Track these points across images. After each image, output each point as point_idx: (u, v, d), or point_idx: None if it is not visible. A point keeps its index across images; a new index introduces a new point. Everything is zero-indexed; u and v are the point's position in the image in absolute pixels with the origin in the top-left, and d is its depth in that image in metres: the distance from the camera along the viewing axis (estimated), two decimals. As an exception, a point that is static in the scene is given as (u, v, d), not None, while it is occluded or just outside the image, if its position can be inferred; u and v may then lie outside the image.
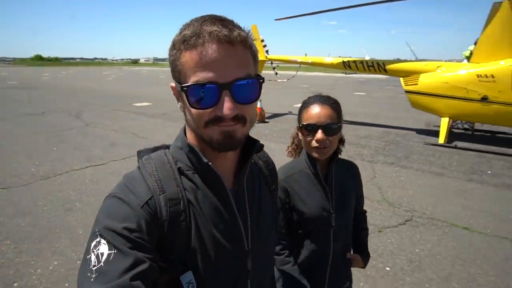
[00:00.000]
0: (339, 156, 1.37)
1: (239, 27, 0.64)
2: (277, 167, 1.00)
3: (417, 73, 7.42)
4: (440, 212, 3.82)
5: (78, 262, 2.75)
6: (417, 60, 8.09)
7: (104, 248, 0.56)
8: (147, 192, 0.64)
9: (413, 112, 7.86)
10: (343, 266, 1.37)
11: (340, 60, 8.78)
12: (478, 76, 6.50)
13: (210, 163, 0.67)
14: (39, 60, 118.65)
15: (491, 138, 7.56)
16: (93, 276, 0.54)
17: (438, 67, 7.34)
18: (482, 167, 5.53)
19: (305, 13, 9.30)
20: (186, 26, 0.63)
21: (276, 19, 9.89)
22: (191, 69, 0.61)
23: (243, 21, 0.68)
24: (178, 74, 0.64)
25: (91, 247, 0.57)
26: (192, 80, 0.61)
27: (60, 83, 23.14)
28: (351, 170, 1.41)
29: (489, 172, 5.29)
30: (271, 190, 0.90)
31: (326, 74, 43.27)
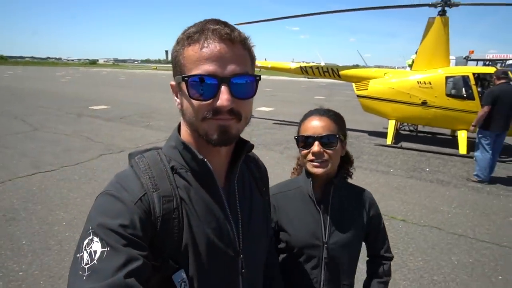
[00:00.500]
0: (349, 180, 1.26)
1: (239, 30, 0.68)
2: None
3: (367, 79, 7.98)
4: (382, 207, 4.10)
5: (21, 273, 2.64)
6: (367, 67, 8.70)
7: (97, 246, 0.56)
8: (141, 189, 0.65)
9: (368, 116, 8.43)
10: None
11: (298, 65, 9.16)
12: (418, 82, 7.16)
13: (205, 159, 0.69)
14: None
15: (432, 139, 8.34)
16: (86, 274, 0.53)
17: (385, 73, 7.96)
18: (421, 165, 6.11)
19: (266, 18, 9.58)
20: (190, 26, 0.68)
21: (236, 24, 10.03)
22: (192, 63, 0.64)
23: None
24: (179, 68, 0.66)
25: (83, 245, 0.57)
26: (193, 72, 0.64)
27: (4, 84, 21.26)
28: (360, 199, 1.21)
29: (427, 169, 5.86)
30: (262, 193, 0.90)
31: (289, 78, 44.40)
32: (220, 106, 0.64)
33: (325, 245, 1.11)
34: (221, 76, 0.63)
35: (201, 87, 0.63)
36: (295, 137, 1.16)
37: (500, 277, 2.81)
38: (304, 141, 1.11)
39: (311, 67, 9.07)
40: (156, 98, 15.59)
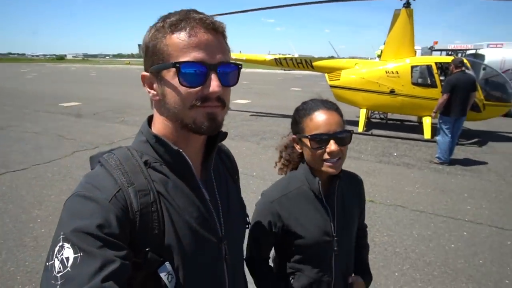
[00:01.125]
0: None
1: (219, 21, 0.68)
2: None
3: (339, 69, 8.25)
4: (353, 190, 4.44)
5: (-4, 270, 2.62)
6: (337, 57, 8.99)
7: (68, 252, 0.53)
8: (114, 185, 0.62)
9: (341, 105, 8.63)
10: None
11: (272, 57, 9.29)
12: (386, 72, 7.52)
13: (181, 150, 0.68)
14: None
15: (400, 126, 8.80)
16: (59, 283, 0.51)
17: (356, 64, 8.26)
18: (390, 150, 6.48)
19: (237, 10, 9.57)
20: (169, 15, 0.66)
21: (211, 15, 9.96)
22: (179, 50, 0.63)
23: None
24: (161, 56, 0.65)
25: (54, 253, 0.54)
26: (181, 59, 0.62)
27: (-36, 82, 19.88)
28: (355, 185, 1.25)
29: (395, 154, 6.22)
30: (234, 180, 0.92)
31: (265, 70, 44.50)
32: (212, 92, 0.64)
33: (335, 239, 1.11)
34: (210, 63, 0.64)
35: (191, 74, 0.63)
36: (308, 136, 1.03)
37: (453, 245, 3.13)
38: (318, 141, 1.02)
39: (285, 58, 9.23)
40: (130, 93, 15.20)
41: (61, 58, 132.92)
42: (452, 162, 5.63)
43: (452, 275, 2.71)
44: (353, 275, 1.24)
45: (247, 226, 0.92)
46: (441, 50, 11.75)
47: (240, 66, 0.71)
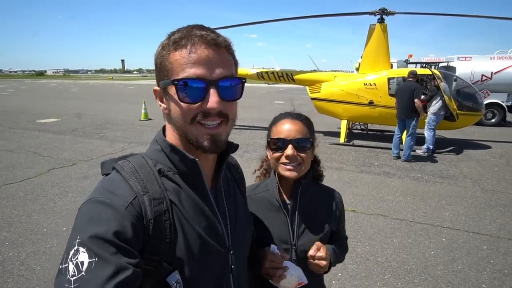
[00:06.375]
0: (321, 181, 1.26)
1: (224, 36, 0.70)
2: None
3: (319, 82, 8.44)
4: (335, 200, 4.47)
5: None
6: (318, 71, 9.21)
7: (83, 257, 0.53)
8: (130, 193, 0.63)
9: (324, 117, 8.88)
10: None
11: (255, 71, 9.41)
12: (364, 84, 7.75)
13: (197, 160, 0.69)
14: None
15: (381, 136, 9.03)
16: (72, 286, 0.51)
17: (335, 76, 8.49)
18: (371, 160, 6.60)
19: (220, 26, 9.72)
20: (175, 32, 0.68)
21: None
22: (180, 66, 0.65)
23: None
24: (166, 72, 0.67)
25: (69, 256, 0.54)
26: (181, 75, 0.64)
27: None
28: (329, 200, 1.22)
29: (376, 163, 6.34)
30: (242, 191, 0.94)
31: (249, 84, 44.96)
32: (210, 108, 0.65)
33: (294, 247, 1.11)
34: (209, 79, 0.65)
35: (190, 90, 0.64)
36: (268, 139, 1.13)
37: (432, 252, 3.18)
38: (277, 144, 1.09)
39: (266, 72, 9.37)
40: (112, 108, 14.96)
41: (40, 74, 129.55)
42: (430, 170, 5.80)
43: (432, 282, 2.73)
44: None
45: (252, 237, 0.94)
46: (416, 63, 12.26)
47: (244, 80, 0.72)
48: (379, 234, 3.54)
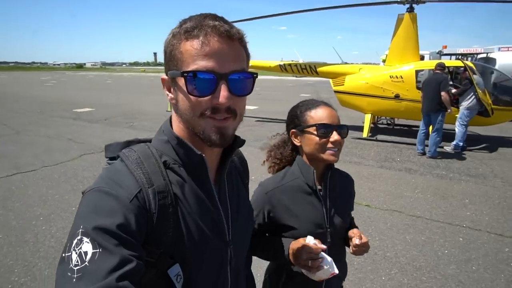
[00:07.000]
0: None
1: (237, 27, 0.67)
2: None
3: (343, 75, 8.25)
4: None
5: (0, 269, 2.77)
6: (343, 63, 8.99)
7: (87, 247, 0.53)
8: (135, 185, 0.63)
9: (349, 111, 8.69)
10: (337, 285, 1.29)
11: (277, 63, 9.38)
12: (391, 77, 7.46)
13: (203, 155, 0.68)
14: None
15: (408, 131, 8.66)
16: (75, 276, 0.51)
17: (360, 69, 8.24)
18: (393, 155, 6.40)
19: (243, 18, 9.76)
20: (186, 20, 0.66)
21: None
22: (190, 57, 0.62)
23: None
24: (175, 62, 0.65)
25: (72, 245, 0.54)
26: (191, 67, 0.62)
27: (-12, 90, 20.93)
28: (347, 182, 1.31)
29: (398, 159, 6.14)
30: (245, 184, 0.93)
31: (277, 77, 44.70)
32: (219, 103, 0.63)
33: (328, 230, 1.16)
34: (220, 72, 0.62)
35: (199, 82, 0.62)
36: (315, 125, 1.11)
37: (446, 251, 3.07)
38: (323, 130, 1.11)
39: (289, 64, 9.30)
40: (142, 100, 15.63)
41: (80, 67, 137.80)
42: (457, 168, 5.52)
43: (442, 280, 2.66)
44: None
45: (253, 231, 0.93)
46: (450, 55, 11.53)
47: (255, 75, 0.69)
48: (391, 230, 3.48)
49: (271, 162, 1.30)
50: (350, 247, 1.16)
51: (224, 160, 0.78)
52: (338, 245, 1.21)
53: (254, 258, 1.16)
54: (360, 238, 1.14)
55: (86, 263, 0.52)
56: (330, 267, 1.02)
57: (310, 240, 1.03)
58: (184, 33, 0.63)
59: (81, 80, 36.27)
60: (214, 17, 0.65)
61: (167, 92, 0.71)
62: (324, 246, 1.03)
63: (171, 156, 0.70)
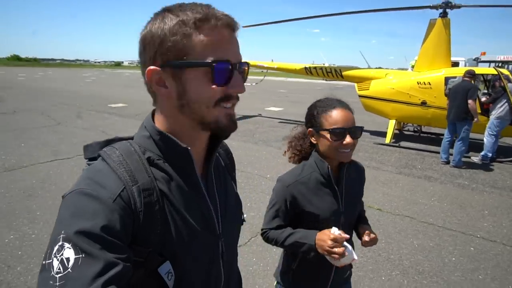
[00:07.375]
0: None
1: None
2: (236, 159, 1.04)
3: (368, 79, 8.16)
4: (363, 198, 4.42)
5: (33, 236, 3.16)
6: (369, 67, 8.87)
7: (69, 253, 0.51)
8: (118, 184, 0.60)
9: (374, 116, 8.56)
10: (347, 269, 1.43)
11: (303, 66, 9.44)
12: (418, 83, 7.27)
13: (189, 148, 0.67)
14: (16, 60, 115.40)
15: (434, 139, 8.36)
16: (58, 284, 0.49)
17: (386, 74, 8.10)
18: (414, 162, 6.25)
19: (271, 21, 9.94)
20: (185, 8, 0.64)
21: (243, 26, 10.44)
22: (207, 47, 0.62)
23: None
24: (185, 52, 0.62)
25: (53, 252, 0.51)
26: (210, 58, 0.62)
27: (35, 84, 22.85)
28: (359, 172, 1.42)
29: (419, 166, 6.00)
30: (232, 177, 0.93)
31: (306, 80, 44.35)
32: (238, 91, 0.66)
33: (343, 215, 1.30)
34: (234, 62, 0.65)
35: (221, 72, 0.63)
36: (329, 129, 1.20)
37: (454, 259, 3.03)
38: (337, 133, 1.19)
39: (315, 67, 9.33)
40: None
41: (118, 64, 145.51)
42: (482, 179, 5.30)
43: (443, 285, 2.65)
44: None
45: (242, 223, 0.92)
46: (489, 62, 10.89)
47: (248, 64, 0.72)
48: (399, 234, 3.48)
49: (291, 152, 1.42)
50: (361, 242, 1.31)
51: (210, 153, 0.77)
52: (348, 230, 1.34)
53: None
54: (369, 235, 1.28)
55: (69, 269, 0.50)
56: (351, 254, 1.16)
57: (335, 231, 1.15)
58: (197, 21, 0.61)
59: (118, 77, 38.39)
60: (209, 6, 0.65)
61: (157, 86, 0.66)
62: (347, 236, 1.15)
63: (154, 151, 0.68)
